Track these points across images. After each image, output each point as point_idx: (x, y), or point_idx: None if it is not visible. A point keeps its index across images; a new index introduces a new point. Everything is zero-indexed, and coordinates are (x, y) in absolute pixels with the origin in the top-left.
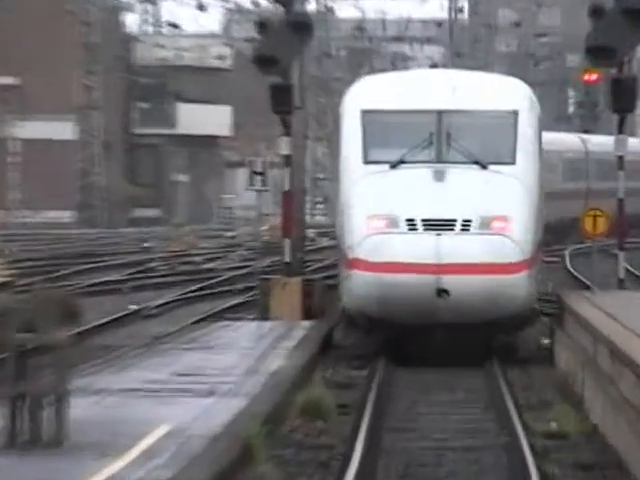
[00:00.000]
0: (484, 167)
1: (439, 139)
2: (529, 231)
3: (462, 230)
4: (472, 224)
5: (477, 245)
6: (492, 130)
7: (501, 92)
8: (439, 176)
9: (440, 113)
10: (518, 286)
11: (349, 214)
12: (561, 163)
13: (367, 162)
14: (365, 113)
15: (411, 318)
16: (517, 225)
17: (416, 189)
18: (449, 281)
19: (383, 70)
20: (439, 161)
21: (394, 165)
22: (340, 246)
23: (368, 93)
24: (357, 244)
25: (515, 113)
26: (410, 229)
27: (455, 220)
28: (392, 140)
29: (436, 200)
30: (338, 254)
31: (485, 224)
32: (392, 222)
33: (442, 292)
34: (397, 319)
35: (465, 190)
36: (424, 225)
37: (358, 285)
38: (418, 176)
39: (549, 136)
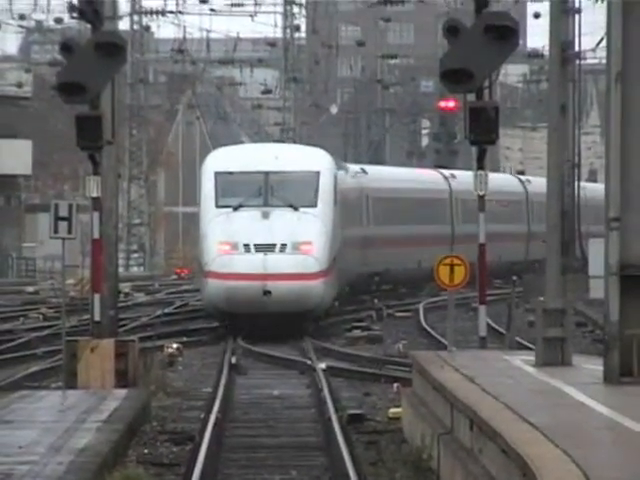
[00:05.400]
0: (296, 209)
1: (266, 191)
2: (325, 252)
3: (280, 251)
4: (287, 247)
5: (290, 261)
6: (302, 184)
7: (308, 158)
8: (265, 215)
9: (267, 173)
10: (317, 289)
11: (206, 241)
12: None
13: (218, 206)
14: (217, 174)
15: (247, 310)
16: (317, 247)
17: (250, 224)
18: (271, 285)
19: (208, 96)
20: (266, 205)
21: (236, 208)
22: (200, 263)
23: (219, 159)
24: (211, 261)
25: (317, 173)
26: (246, 251)
27: (275, 244)
28: (234, 191)
29: (263, 231)
30: (198, 269)
31: (296, 247)
32: (234, 246)
33: (267, 292)
34: (238, 311)
35: (283, 224)
36: (255, 248)
37: (212, 289)
38: (251, 215)
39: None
